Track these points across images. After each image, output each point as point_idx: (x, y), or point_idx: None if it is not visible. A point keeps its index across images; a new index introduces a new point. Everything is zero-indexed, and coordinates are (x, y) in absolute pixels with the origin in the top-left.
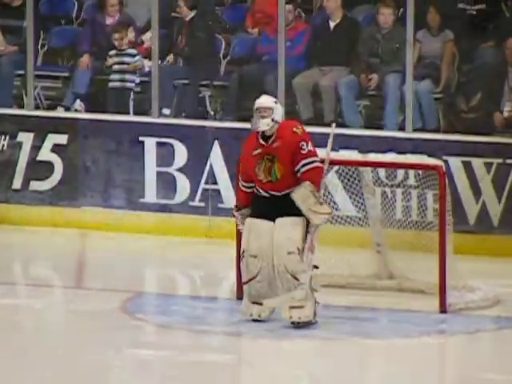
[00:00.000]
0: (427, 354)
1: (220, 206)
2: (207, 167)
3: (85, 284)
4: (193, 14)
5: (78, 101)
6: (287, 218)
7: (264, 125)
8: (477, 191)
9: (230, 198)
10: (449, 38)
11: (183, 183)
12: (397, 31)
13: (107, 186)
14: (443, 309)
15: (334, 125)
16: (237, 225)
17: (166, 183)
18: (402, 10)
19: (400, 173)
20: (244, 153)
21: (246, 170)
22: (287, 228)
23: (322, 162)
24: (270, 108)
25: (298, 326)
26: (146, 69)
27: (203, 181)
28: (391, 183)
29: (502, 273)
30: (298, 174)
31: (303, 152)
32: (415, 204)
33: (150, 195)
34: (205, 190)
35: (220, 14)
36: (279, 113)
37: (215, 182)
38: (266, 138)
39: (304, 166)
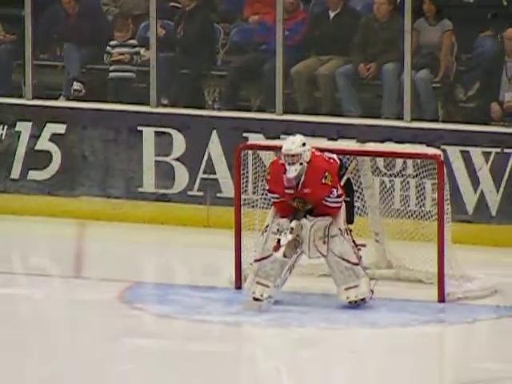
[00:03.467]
0: (425, 343)
1: (218, 195)
2: (205, 157)
3: (83, 274)
4: (193, 4)
5: (74, 82)
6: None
7: (292, 172)
8: (475, 181)
9: (228, 188)
10: (447, 28)
11: (181, 173)
12: (395, 21)
13: (105, 176)
14: (441, 298)
15: (355, 161)
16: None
17: (165, 173)
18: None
19: (398, 162)
20: (274, 181)
21: (280, 199)
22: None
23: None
24: (298, 155)
25: (355, 304)
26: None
27: (201, 170)
28: (389, 173)
29: (500, 262)
30: (324, 203)
31: (332, 196)
32: (413, 193)
33: (149, 185)
34: (203, 179)
35: (219, 3)
36: (308, 154)
37: (213, 172)
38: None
39: (331, 202)
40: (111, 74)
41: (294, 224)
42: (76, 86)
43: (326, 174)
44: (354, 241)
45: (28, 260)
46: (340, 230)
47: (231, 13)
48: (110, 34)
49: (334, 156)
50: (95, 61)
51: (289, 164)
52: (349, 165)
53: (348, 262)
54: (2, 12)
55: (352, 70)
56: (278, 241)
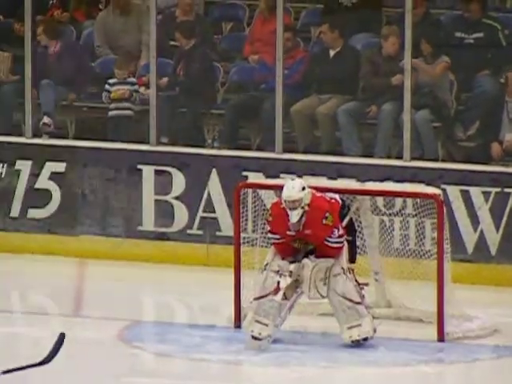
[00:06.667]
0: (425, 382)
1: (218, 233)
2: (205, 195)
3: (83, 312)
4: (191, 43)
5: (45, 117)
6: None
7: (295, 217)
8: (475, 220)
9: (227, 226)
10: (443, 60)
11: (181, 211)
12: (395, 60)
13: (105, 214)
14: (441, 337)
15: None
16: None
17: (164, 211)
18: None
19: (398, 201)
20: (276, 222)
21: (281, 241)
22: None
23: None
24: (299, 200)
25: (358, 343)
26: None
27: (201, 209)
28: (389, 212)
29: (500, 302)
30: (326, 243)
31: (334, 237)
32: (413, 233)
33: (148, 223)
34: (202, 218)
35: (218, 42)
36: (308, 197)
37: (213, 210)
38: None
39: (333, 242)
40: (110, 113)
41: (292, 267)
42: (46, 119)
43: (327, 214)
44: (356, 280)
45: (27, 298)
46: (343, 269)
47: (231, 52)
48: (95, 73)
49: (336, 196)
50: (87, 99)
51: (290, 209)
52: (351, 205)
53: (350, 301)
54: (16, 53)
55: (353, 108)
56: (278, 283)
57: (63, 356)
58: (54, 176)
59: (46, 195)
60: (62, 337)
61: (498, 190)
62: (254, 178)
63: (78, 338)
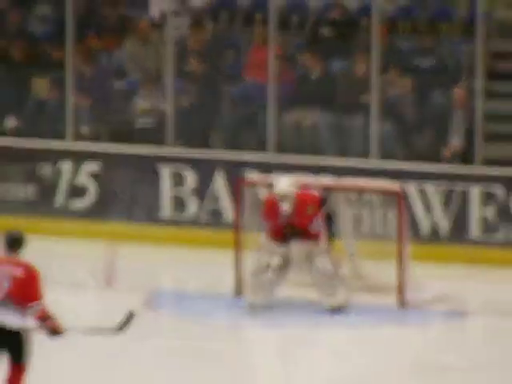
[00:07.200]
0: (389, 341)
1: (222, 220)
2: (212, 189)
3: (113, 284)
4: (202, 68)
5: (82, 126)
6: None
7: (286, 207)
8: (429, 209)
9: (230, 214)
10: (411, 88)
11: (193, 202)
12: (366, 79)
13: (131, 205)
14: (402, 305)
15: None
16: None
17: (179, 203)
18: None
19: (367, 195)
20: (269, 212)
21: (272, 225)
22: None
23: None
24: (288, 194)
25: (334, 309)
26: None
27: (209, 200)
28: (360, 203)
29: (449, 276)
30: (309, 229)
31: (315, 223)
32: (379, 220)
33: (166, 212)
34: (210, 208)
35: (223, 67)
36: (294, 192)
37: (218, 202)
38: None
39: (314, 228)
40: (136, 124)
41: (282, 249)
42: (83, 129)
43: (310, 206)
44: (333, 258)
45: (68, 273)
46: (322, 249)
47: (233, 74)
48: (123, 91)
49: (315, 192)
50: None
51: (281, 201)
52: (329, 198)
53: (329, 275)
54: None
55: (331, 118)
56: (270, 261)
57: (96, 322)
58: (90, 174)
59: (84, 190)
60: (131, 313)
61: (447, 184)
62: (252, 175)
63: (109, 305)
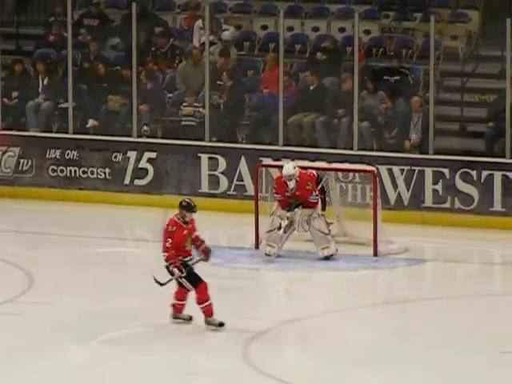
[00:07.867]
0: (365, 281)
1: (245, 194)
2: (237, 171)
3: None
4: (231, 82)
5: (144, 126)
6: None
7: (291, 184)
8: (395, 185)
9: (251, 189)
10: (382, 97)
11: (224, 181)
12: (350, 91)
13: (179, 183)
14: (375, 254)
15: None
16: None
17: (214, 181)
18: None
19: (350, 174)
20: (279, 188)
21: (281, 196)
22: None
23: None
24: (293, 174)
25: (327, 258)
26: (202, 113)
27: (235, 179)
28: (345, 180)
29: (409, 233)
30: (308, 199)
31: (313, 196)
32: (359, 192)
33: (204, 187)
34: (236, 185)
35: (246, 81)
36: (297, 172)
37: (242, 180)
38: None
39: (312, 199)
40: (182, 123)
41: (289, 214)
42: (144, 127)
43: (309, 183)
44: (326, 220)
45: (133, 231)
46: (318, 214)
47: (252, 87)
48: (173, 100)
49: (314, 171)
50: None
51: (288, 180)
52: (323, 176)
53: (322, 232)
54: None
55: (324, 120)
56: (280, 223)
57: (141, 269)
58: (149, 160)
59: (145, 171)
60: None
61: (408, 167)
62: (267, 161)
63: (158, 256)
